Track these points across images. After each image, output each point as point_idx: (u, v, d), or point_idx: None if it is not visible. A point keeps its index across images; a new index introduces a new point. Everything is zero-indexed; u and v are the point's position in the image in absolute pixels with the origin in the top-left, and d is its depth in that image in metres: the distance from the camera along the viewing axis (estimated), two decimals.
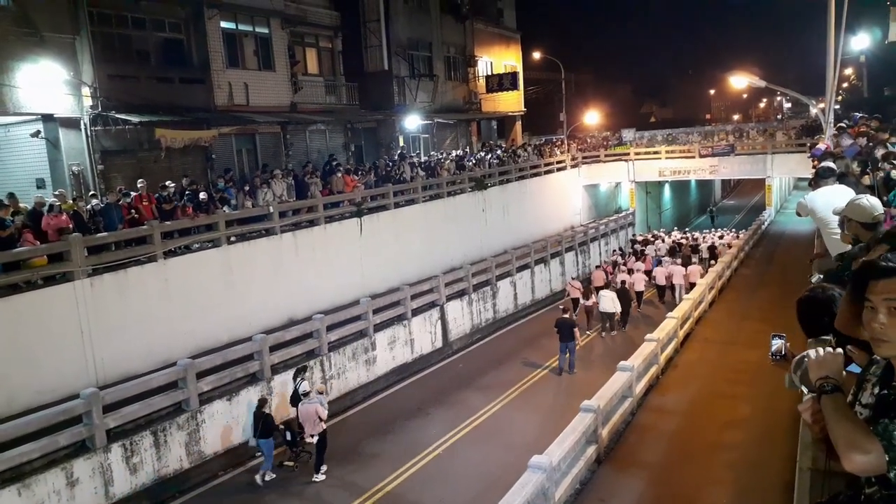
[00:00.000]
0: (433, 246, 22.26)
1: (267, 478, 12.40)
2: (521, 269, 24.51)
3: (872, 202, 4.37)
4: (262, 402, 13.02)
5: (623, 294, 21.08)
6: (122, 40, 18.21)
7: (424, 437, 14.06)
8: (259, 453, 12.85)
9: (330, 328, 16.02)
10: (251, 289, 16.10)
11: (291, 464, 12.88)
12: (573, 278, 26.28)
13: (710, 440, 12.03)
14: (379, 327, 17.56)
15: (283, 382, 14.68)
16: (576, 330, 17.54)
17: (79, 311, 12.64)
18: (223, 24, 20.11)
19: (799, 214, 6.78)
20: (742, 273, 26.28)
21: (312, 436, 12.38)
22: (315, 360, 15.55)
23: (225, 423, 13.41)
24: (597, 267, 27.38)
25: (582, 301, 21.68)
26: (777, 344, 3.63)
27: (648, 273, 24.93)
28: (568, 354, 17.40)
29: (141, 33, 18.56)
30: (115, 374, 12.93)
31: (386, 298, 18.20)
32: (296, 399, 13.13)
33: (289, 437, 12.79)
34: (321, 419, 12.35)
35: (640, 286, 23.49)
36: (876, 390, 1.99)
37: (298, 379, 13.49)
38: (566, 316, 17.66)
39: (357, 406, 16.20)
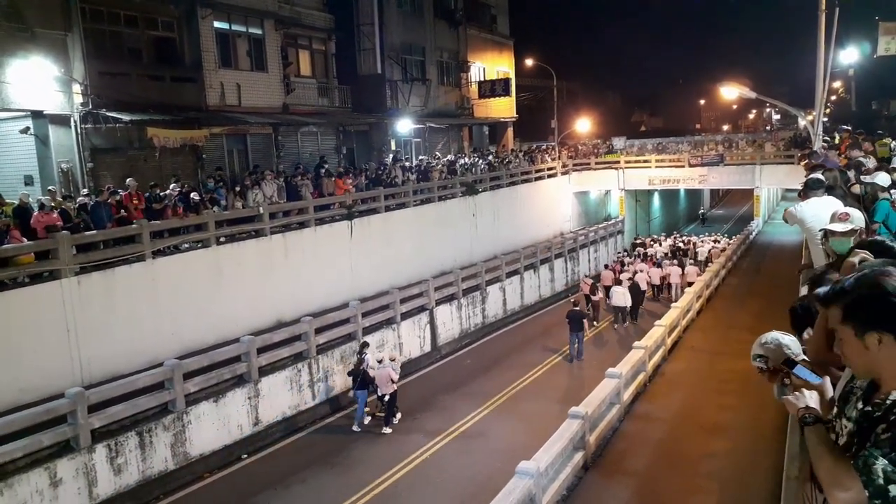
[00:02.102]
0: (423, 250, 22.25)
1: (357, 428, 14.70)
2: (510, 274, 24.55)
3: (856, 214, 4.43)
4: (360, 361, 14.90)
5: (634, 290, 22.78)
6: (114, 38, 18.13)
7: (411, 441, 14.02)
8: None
9: (318, 331, 15.97)
10: (240, 290, 16.03)
11: (382, 414, 14.88)
12: (586, 276, 27.72)
13: (697, 449, 12.08)
14: (368, 330, 17.51)
15: (271, 385, 14.64)
16: (585, 321, 19.44)
17: (65, 309, 12.54)
18: (216, 24, 20.07)
19: (786, 221, 6.84)
20: (730, 282, 26.45)
21: (385, 395, 14.62)
22: (303, 363, 15.50)
23: (211, 425, 13.34)
24: (605, 266, 28.32)
25: (591, 296, 22.81)
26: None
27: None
28: (577, 344, 18.87)
29: (133, 31, 18.49)
30: (100, 373, 12.82)
31: (375, 302, 18.17)
32: (354, 372, 15.05)
33: (379, 392, 14.74)
34: (393, 381, 14.60)
35: (643, 284, 24.60)
36: (860, 405, 2.00)
37: (364, 353, 15.14)
38: (577, 308, 19.20)
39: (345, 409, 16.14)
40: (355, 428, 14.71)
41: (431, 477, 12.53)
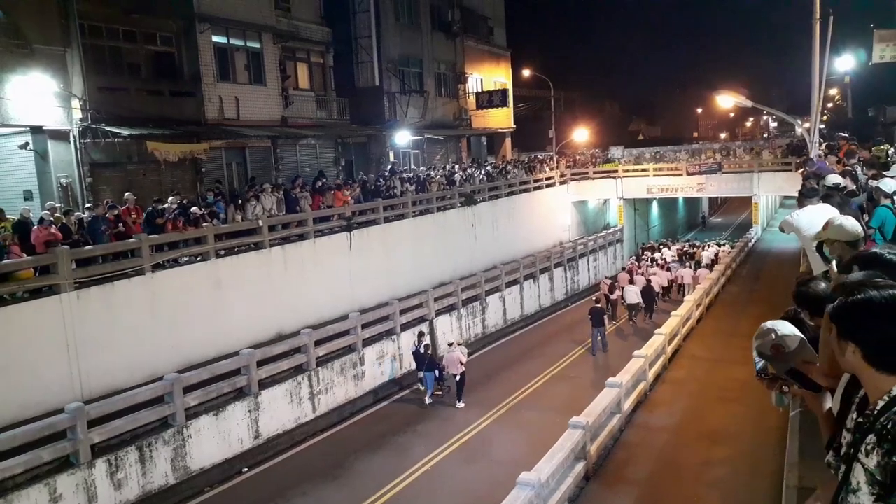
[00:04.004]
0: (423, 261, 22.26)
1: (428, 401, 16.80)
2: (510, 284, 24.57)
3: (853, 221, 4.42)
4: (427, 346, 17.39)
5: (647, 291, 24.78)
6: (113, 53, 18.19)
7: (412, 453, 13.99)
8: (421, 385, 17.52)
9: (318, 343, 15.97)
10: (239, 303, 16.02)
11: (440, 393, 17.20)
12: (606, 277, 29.16)
13: (697, 457, 12.05)
14: (368, 342, 17.52)
15: (271, 398, 14.61)
16: (605, 317, 21.51)
17: (65, 324, 12.52)
18: (215, 39, 20.16)
19: (783, 230, 6.85)
20: (729, 290, 26.44)
21: (455, 374, 16.68)
22: (303, 375, 15.48)
23: (212, 438, 13.31)
24: (622, 269, 30.11)
25: (609, 295, 24.76)
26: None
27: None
28: (599, 337, 20.62)
29: (132, 46, 18.56)
30: (100, 388, 12.79)
31: (375, 313, 18.17)
32: (418, 355, 17.53)
33: (437, 374, 17.06)
34: (461, 363, 16.60)
35: (656, 287, 26.41)
36: (854, 415, 2.01)
37: (419, 341, 17.62)
38: (598, 305, 21.24)
39: (345, 421, 16.11)
40: (427, 400, 16.82)
41: (433, 488, 12.50)
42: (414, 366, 19.09)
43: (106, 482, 11.40)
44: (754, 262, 33.16)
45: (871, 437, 1.77)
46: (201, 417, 13.19)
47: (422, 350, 17.40)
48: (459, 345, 17.50)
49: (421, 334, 18.34)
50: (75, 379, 12.58)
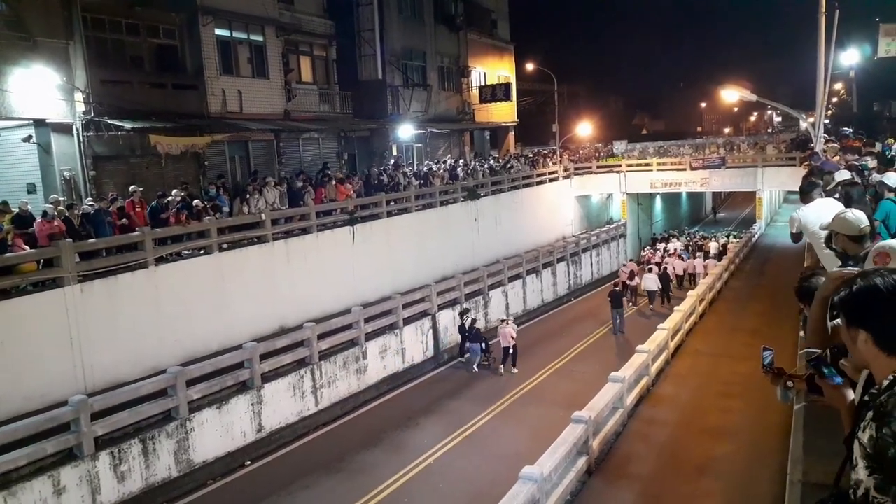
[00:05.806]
0: (425, 255, 22.25)
1: (476, 368, 18.77)
2: (512, 278, 24.55)
3: (858, 215, 4.39)
4: (474, 321, 19.36)
5: (664, 277, 26.36)
6: (116, 46, 18.15)
7: (414, 446, 14.01)
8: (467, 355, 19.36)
9: (321, 337, 15.97)
10: (242, 296, 16.02)
11: (486, 363, 19.09)
12: (623, 264, 29.65)
13: (700, 452, 12.05)
14: (370, 336, 17.52)
15: (274, 391, 14.63)
16: (624, 300, 23.16)
17: (68, 317, 12.54)
18: (217, 31, 20.10)
19: (793, 234, 6.71)
20: (732, 285, 26.42)
21: (508, 347, 18.64)
22: (305, 369, 15.50)
23: (214, 432, 13.34)
24: (630, 260, 31.46)
25: (628, 282, 26.00)
26: (769, 356, 3.73)
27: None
28: (619, 319, 22.00)
29: (135, 39, 18.53)
30: (103, 381, 12.81)
31: (377, 307, 18.16)
32: (463, 330, 19.48)
33: (483, 346, 18.88)
34: (513, 337, 18.66)
35: (672, 275, 28.01)
36: (865, 397, 2.03)
37: (465, 317, 19.47)
38: (618, 289, 22.66)
39: (347, 415, 16.14)
40: (475, 368, 18.73)
41: (435, 482, 12.52)
42: (417, 360, 19.24)
43: (109, 475, 11.43)
44: (757, 257, 33.12)
45: (868, 413, 1.83)
46: (204, 411, 13.21)
47: (467, 325, 19.17)
48: (512, 322, 19.59)
49: (465, 311, 20.04)
50: (79, 371, 12.61)
